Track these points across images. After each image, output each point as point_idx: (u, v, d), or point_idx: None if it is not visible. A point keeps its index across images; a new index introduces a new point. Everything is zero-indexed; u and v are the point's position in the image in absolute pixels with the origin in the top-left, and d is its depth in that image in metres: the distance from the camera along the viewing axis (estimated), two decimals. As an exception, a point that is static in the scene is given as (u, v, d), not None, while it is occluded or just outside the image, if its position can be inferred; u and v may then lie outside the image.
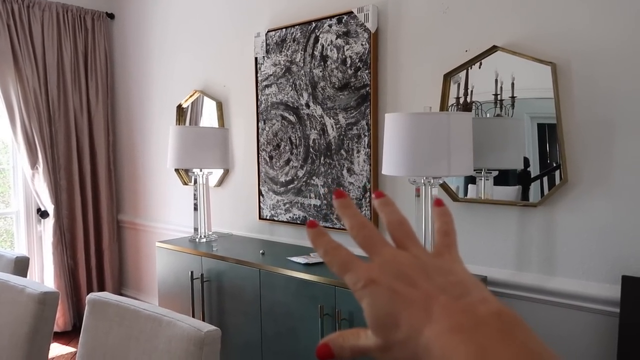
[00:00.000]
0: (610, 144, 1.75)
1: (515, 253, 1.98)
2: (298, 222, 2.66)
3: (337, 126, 2.46)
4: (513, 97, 1.95)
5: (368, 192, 2.35)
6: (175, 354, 1.11)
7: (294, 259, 2.22)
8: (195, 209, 2.76)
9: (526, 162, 1.94)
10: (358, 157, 2.39)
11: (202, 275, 2.43)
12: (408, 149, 1.75)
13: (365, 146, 2.36)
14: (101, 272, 3.80)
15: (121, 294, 3.97)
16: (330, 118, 2.49)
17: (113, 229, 3.81)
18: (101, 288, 3.81)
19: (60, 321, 3.48)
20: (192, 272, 2.47)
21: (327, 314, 1.93)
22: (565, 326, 1.87)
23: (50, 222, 3.43)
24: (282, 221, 2.74)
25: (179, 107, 3.28)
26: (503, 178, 2.02)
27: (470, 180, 2.09)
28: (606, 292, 1.76)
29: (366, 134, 2.35)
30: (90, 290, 3.74)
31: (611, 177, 1.75)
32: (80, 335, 1.34)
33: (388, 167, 1.83)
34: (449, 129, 1.73)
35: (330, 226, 2.50)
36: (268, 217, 2.81)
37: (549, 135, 1.88)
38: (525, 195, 1.95)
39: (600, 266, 1.79)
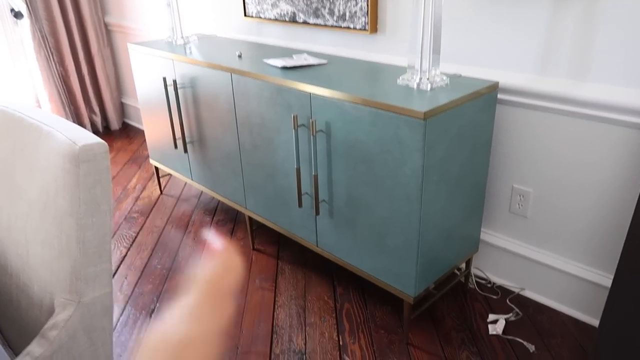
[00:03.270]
0: None
1: (539, 53, 1.57)
2: (286, 19, 2.24)
3: None
4: None
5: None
6: (54, 171, 0.88)
7: (271, 61, 1.87)
8: (168, 4, 2.35)
9: None
10: None
11: (174, 81, 2.14)
12: None
13: None
14: (95, 80, 3.58)
15: (122, 104, 3.81)
16: None
17: (101, 33, 3.47)
18: (98, 97, 3.64)
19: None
20: (164, 78, 2.18)
21: (303, 124, 1.65)
22: (591, 142, 1.55)
23: (26, 23, 3.10)
24: (270, 19, 2.31)
25: None
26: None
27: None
28: (647, 102, 1.39)
29: None
30: (86, 99, 3.57)
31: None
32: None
33: None
34: None
35: (322, 23, 2.08)
36: (254, 15, 2.38)
37: None
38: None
39: (648, 69, 1.38)
